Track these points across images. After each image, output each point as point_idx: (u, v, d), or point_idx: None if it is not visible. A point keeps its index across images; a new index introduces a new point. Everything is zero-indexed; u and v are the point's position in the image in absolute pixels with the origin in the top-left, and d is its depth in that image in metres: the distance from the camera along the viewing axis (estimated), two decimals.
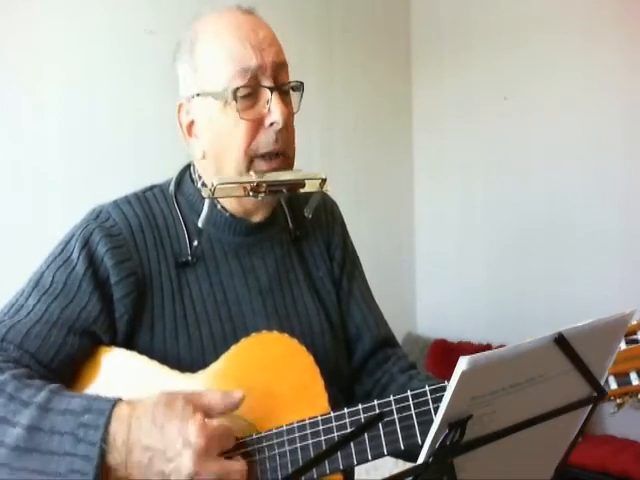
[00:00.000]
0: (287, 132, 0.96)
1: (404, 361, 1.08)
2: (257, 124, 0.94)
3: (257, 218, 1.01)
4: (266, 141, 0.94)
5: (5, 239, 2.18)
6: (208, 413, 0.79)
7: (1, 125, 2.21)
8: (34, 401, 0.78)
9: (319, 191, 0.99)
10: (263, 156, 0.95)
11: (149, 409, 0.76)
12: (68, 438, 0.75)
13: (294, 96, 1.00)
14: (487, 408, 0.59)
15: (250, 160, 0.95)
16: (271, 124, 0.93)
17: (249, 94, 0.94)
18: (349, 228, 1.17)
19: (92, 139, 2.41)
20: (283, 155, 0.96)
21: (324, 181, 0.97)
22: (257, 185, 0.92)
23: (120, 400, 0.79)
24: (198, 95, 0.97)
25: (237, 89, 0.93)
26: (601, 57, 2.93)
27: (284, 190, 0.95)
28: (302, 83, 0.99)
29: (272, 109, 0.93)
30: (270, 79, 0.94)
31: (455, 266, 3.59)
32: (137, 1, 2.55)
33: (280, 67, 0.96)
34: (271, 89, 0.94)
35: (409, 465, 0.59)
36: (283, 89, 0.97)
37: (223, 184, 0.92)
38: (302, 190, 0.97)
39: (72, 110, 2.37)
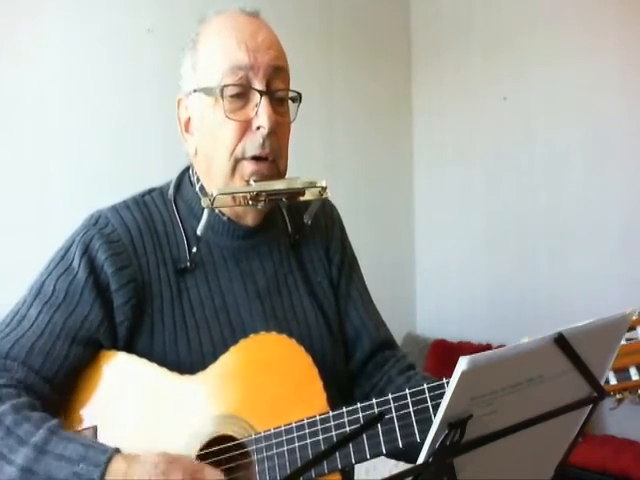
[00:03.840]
0: (276, 139, 0.95)
1: (402, 362, 1.07)
2: (245, 126, 0.94)
3: (248, 222, 1.01)
4: (252, 144, 0.93)
5: (7, 242, 2.18)
6: None
7: (2, 124, 2.21)
8: (31, 441, 0.78)
9: (319, 199, 0.98)
10: (249, 159, 0.94)
11: (145, 472, 0.76)
12: None
13: (292, 106, 0.99)
14: (487, 408, 0.59)
15: (236, 162, 0.94)
16: (258, 128, 0.93)
17: (239, 95, 0.94)
18: (349, 229, 1.17)
19: (93, 137, 2.41)
20: (271, 162, 0.95)
21: (324, 189, 0.97)
22: (257, 194, 0.92)
23: (117, 452, 0.78)
24: (195, 91, 0.97)
25: (225, 87, 0.93)
26: (602, 56, 2.93)
27: (284, 199, 0.95)
28: (299, 94, 0.99)
29: (259, 113, 0.93)
30: (262, 82, 0.93)
31: (455, 266, 3.59)
32: (137, 1, 2.55)
33: (276, 72, 0.95)
34: (261, 92, 0.93)
35: (409, 466, 0.59)
36: (276, 95, 0.96)
37: (223, 194, 0.91)
38: (302, 198, 0.97)
39: (73, 109, 2.37)
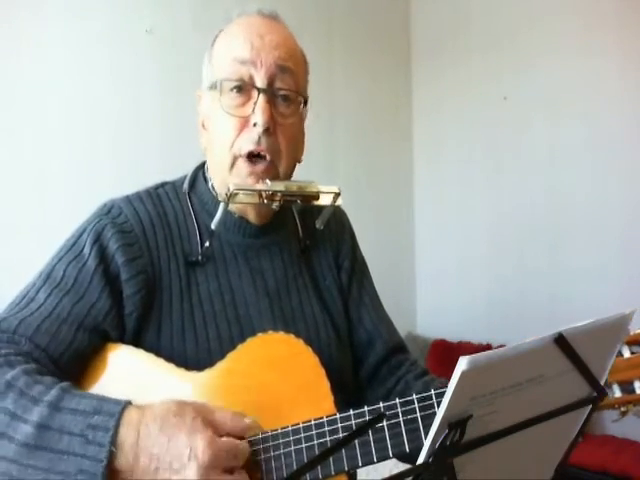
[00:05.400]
0: (275, 139, 0.95)
1: (416, 367, 1.07)
2: (243, 123, 0.94)
3: (251, 219, 1.01)
4: (248, 141, 0.94)
5: (7, 241, 2.18)
6: (215, 430, 0.79)
7: (2, 124, 2.21)
8: (45, 399, 0.78)
9: (332, 204, 0.99)
10: (246, 157, 0.94)
11: (158, 417, 0.76)
12: (77, 439, 0.75)
13: (304, 111, 1.00)
14: (487, 408, 0.59)
15: (234, 159, 0.95)
16: (254, 125, 0.93)
17: (240, 91, 0.94)
18: None
19: (92, 137, 2.42)
20: (269, 161, 0.95)
21: (338, 195, 0.98)
22: (272, 194, 0.93)
23: (129, 403, 0.79)
24: (208, 88, 0.99)
25: (224, 80, 0.94)
26: (602, 55, 2.93)
27: (298, 201, 0.96)
28: (305, 98, 0.99)
29: (256, 110, 0.93)
30: (264, 80, 0.94)
31: (455, 266, 3.59)
32: (137, 1, 2.56)
33: (281, 71, 0.95)
34: (259, 89, 0.93)
35: (410, 466, 0.59)
36: (279, 94, 0.95)
37: (239, 190, 0.92)
38: (316, 202, 0.97)
39: (72, 109, 2.38)
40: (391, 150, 3.69)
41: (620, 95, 2.90)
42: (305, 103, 1.00)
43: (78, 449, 0.75)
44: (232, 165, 0.95)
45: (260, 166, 0.95)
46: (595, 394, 0.68)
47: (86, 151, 2.40)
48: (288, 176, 1.00)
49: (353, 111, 3.40)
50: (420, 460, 0.59)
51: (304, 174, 1.02)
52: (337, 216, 1.13)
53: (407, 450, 0.82)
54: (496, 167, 3.40)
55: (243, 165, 0.95)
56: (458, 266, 3.57)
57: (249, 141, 0.94)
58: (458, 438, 0.58)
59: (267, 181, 0.94)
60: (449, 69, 3.57)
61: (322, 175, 1.00)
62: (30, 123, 2.27)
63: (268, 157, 0.95)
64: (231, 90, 0.94)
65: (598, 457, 2.60)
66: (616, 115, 2.91)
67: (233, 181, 0.95)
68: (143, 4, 2.56)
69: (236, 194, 0.92)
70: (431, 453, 0.58)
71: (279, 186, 0.94)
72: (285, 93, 0.96)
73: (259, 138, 0.93)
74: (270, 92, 0.94)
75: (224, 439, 0.78)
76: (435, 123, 3.68)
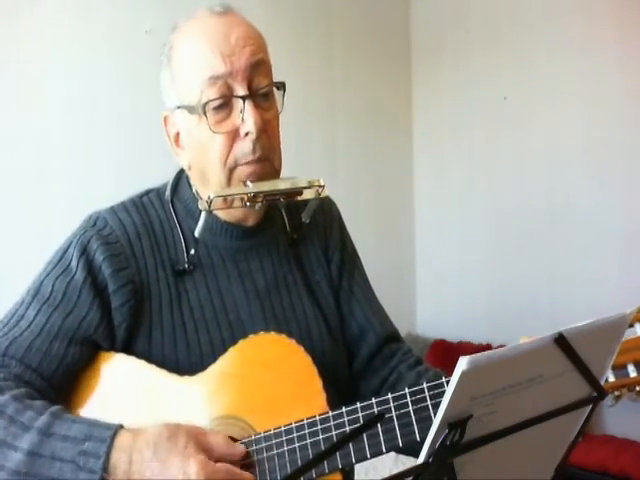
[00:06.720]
0: (267, 138, 0.94)
1: (410, 356, 1.07)
2: (233, 135, 0.92)
3: (249, 223, 1.00)
4: (243, 152, 0.92)
5: (7, 242, 2.18)
6: (209, 453, 0.79)
7: (2, 122, 2.21)
8: (35, 425, 0.77)
9: (317, 198, 0.98)
10: (243, 164, 0.93)
11: (151, 442, 0.76)
12: (69, 465, 0.75)
13: (277, 95, 0.97)
14: (487, 408, 0.59)
15: (230, 171, 0.93)
16: (246, 134, 0.91)
17: (222, 105, 0.92)
18: (349, 228, 1.17)
19: (92, 138, 2.41)
20: (265, 160, 0.94)
21: (322, 188, 0.96)
22: (254, 195, 0.91)
23: (121, 427, 0.79)
24: (178, 107, 0.96)
25: (206, 103, 0.91)
26: (603, 54, 2.93)
27: (281, 199, 0.94)
28: (283, 83, 0.97)
29: (245, 119, 0.91)
30: (244, 85, 0.91)
31: (455, 266, 3.59)
32: (137, 1, 2.55)
33: (255, 68, 0.93)
34: (243, 97, 0.91)
35: (409, 462, 0.59)
36: (260, 93, 0.94)
37: (220, 197, 0.91)
38: (299, 197, 0.96)
39: (72, 110, 2.37)
40: (391, 150, 3.69)
41: (620, 95, 2.89)
42: (279, 87, 0.97)
43: (70, 475, 0.74)
44: (229, 178, 0.94)
45: (258, 166, 0.94)
46: (595, 394, 0.68)
47: (86, 151, 2.39)
48: (281, 166, 0.99)
49: (353, 111, 3.40)
50: (420, 460, 0.59)
51: (304, 173, 1.02)
52: (325, 207, 1.12)
53: (400, 445, 0.83)
54: (496, 167, 3.40)
55: (241, 170, 0.93)
56: (458, 266, 3.57)
57: (244, 153, 0.92)
58: (458, 438, 0.58)
59: (248, 183, 0.93)
60: (449, 69, 3.57)
61: (322, 175, 0.99)
62: (30, 123, 2.27)
63: (263, 157, 0.94)
64: (214, 109, 0.92)
65: (598, 457, 2.60)
66: (616, 115, 2.91)
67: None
68: (143, 4, 2.56)
69: (217, 201, 0.91)
70: (431, 453, 0.58)
71: (260, 187, 0.92)
72: (265, 91, 0.95)
73: (254, 146, 0.92)
74: (253, 96, 0.92)
75: (219, 464, 0.77)
76: (435, 123, 3.67)
